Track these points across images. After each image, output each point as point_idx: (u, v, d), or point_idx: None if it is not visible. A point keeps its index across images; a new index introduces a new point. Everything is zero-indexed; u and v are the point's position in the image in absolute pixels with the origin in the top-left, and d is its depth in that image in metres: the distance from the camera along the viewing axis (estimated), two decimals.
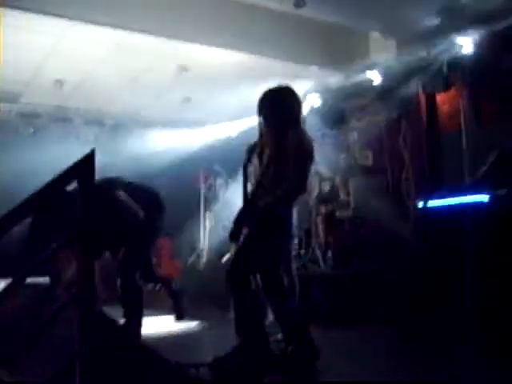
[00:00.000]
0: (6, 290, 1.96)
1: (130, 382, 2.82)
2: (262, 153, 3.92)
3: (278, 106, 3.89)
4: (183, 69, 7.25)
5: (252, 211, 3.73)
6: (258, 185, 3.82)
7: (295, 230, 4.72)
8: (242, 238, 3.80)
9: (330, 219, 7.40)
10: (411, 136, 7.41)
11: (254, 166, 4.02)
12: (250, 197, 3.79)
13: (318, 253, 6.68)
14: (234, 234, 3.84)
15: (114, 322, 2.98)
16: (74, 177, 1.95)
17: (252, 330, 3.66)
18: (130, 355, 2.94)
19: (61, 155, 6.64)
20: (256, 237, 3.70)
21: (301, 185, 3.74)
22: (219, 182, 9.26)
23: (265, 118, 3.93)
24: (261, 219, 3.69)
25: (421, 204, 5.75)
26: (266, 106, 3.93)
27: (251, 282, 3.71)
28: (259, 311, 3.77)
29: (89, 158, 1.97)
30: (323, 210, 7.43)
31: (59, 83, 7.44)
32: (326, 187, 7.71)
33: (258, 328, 3.69)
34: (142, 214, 4.81)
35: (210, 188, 8.81)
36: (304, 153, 3.75)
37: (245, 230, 3.81)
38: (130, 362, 2.88)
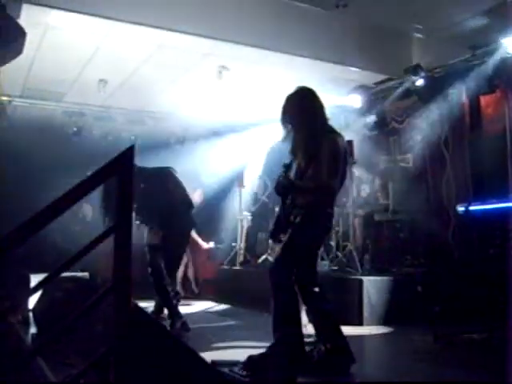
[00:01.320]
0: (43, 281, 2.00)
1: (163, 379, 2.85)
2: (295, 156, 3.92)
3: (303, 109, 3.85)
4: (223, 68, 7.27)
5: (290, 210, 3.73)
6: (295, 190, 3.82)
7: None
8: (283, 238, 3.80)
9: (368, 222, 7.33)
10: (453, 139, 7.27)
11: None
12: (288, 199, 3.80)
13: (355, 256, 6.60)
14: (274, 234, 3.86)
15: (148, 315, 3.01)
16: (114, 171, 1.98)
17: (288, 330, 3.65)
18: (165, 351, 2.95)
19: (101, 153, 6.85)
20: (296, 237, 3.70)
21: (330, 186, 3.70)
22: (258, 182, 9.30)
23: (291, 122, 3.89)
24: (301, 218, 3.69)
25: (462, 208, 5.64)
26: (291, 111, 3.88)
27: (292, 282, 3.71)
28: (298, 311, 3.75)
29: (128, 153, 1.99)
30: (361, 212, 7.36)
31: (103, 82, 7.57)
32: (365, 190, 7.64)
33: (295, 328, 3.68)
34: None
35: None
36: (337, 157, 3.71)
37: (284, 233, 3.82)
38: (165, 359, 2.90)
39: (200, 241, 8.60)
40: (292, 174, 3.87)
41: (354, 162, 6.72)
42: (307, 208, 3.70)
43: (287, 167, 3.82)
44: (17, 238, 1.82)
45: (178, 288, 8.55)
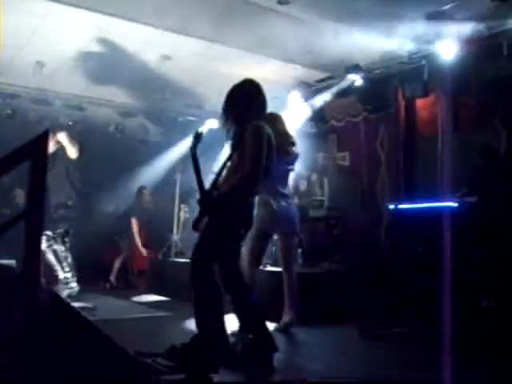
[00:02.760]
0: None
1: (84, 370, 2.80)
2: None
3: (243, 101, 3.86)
4: (166, 58, 7.21)
5: (208, 201, 3.70)
6: (218, 175, 3.81)
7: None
8: (202, 227, 3.77)
9: (303, 217, 7.41)
10: (389, 139, 7.48)
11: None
12: (210, 187, 3.77)
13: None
14: (195, 224, 3.82)
15: (69, 305, 2.95)
16: (27, 156, 1.93)
17: (211, 321, 3.64)
18: (85, 341, 2.91)
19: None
20: (212, 226, 3.68)
21: (254, 173, 3.65)
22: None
23: (229, 114, 3.90)
24: (216, 208, 3.66)
25: (392, 206, 5.82)
26: (232, 102, 3.90)
27: (212, 272, 3.68)
28: (220, 302, 3.73)
29: (42, 138, 1.95)
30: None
31: (39, 65, 7.34)
32: (303, 185, 7.74)
33: (217, 318, 3.68)
34: None
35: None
36: (260, 142, 3.68)
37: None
38: (85, 349, 2.85)
39: (135, 230, 8.51)
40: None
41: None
42: (221, 196, 3.65)
43: (197, 138, 3.86)
44: None
45: (112, 278, 8.50)
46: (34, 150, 1.94)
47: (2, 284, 2.10)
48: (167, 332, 4.98)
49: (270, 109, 4.12)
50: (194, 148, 3.84)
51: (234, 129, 3.88)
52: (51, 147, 6.31)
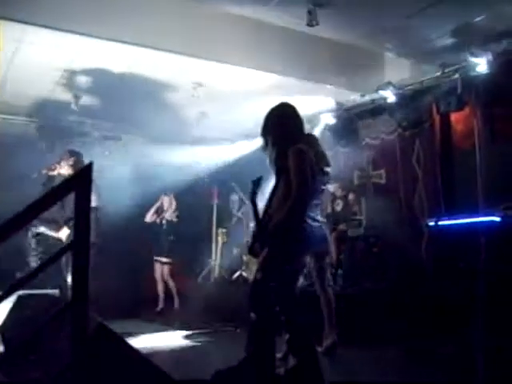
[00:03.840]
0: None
1: None
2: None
3: (281, 124, 3.89)
4: (198, 85, 7.33)
5: (266, 231, 3.72)
6: (270, 205, 3.83)
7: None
8: (260, 256, 3.80)
9: (342, 238, 7.38)
10: (425, 154, 7.39)
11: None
12: (263, 217, 3.79)
13: (329, 271, 6.63)
14: (252, 249, 3.85)
15: (115, 334, 2.98)
16: (71, 188, 1.99)
17: (261, 347, 3.64)
18: (132, 370, 2.93)
19: None
20: (272, 254, 3.70)
21: (301, 199, 3.66)
22: (233, 198, 9.31)
23: (268, 137, 3.92)
24: (274, 238, 3.67)
25: (432, 223, 5.73)
26: (269, 126, 3.93)
27: (272, 302, 3.68)
28: (273, 329, 3.73)
29: (87, 171, 2.01)
30: (335, 228, 7.42)
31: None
32: (339, 205, 7.71)
33: (268, 345, 3.67)
34: None
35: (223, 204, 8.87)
36: (304, 167, 3.67)
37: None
38: (131, 377, 2.88)
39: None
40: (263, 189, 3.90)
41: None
42: (277, 225, 3.65)
43: (256, 184, 3.85)
44: None
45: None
46: (79, 182, 1.99)
47: (51, 314, 2.14)
48: (212, 357, 4.97)
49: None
50: (253, 195, 3.83)
51: (274, 152, 3.91)
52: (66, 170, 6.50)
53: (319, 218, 4.09)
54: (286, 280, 3.75)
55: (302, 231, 3.79)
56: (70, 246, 1.98)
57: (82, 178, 1.99)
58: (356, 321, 5.89)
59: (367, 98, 7.91)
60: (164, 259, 8.35)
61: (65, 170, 6.43)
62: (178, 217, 8.42)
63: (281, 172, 3.79)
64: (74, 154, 6.56)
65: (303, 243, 3.83)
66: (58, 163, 6.54)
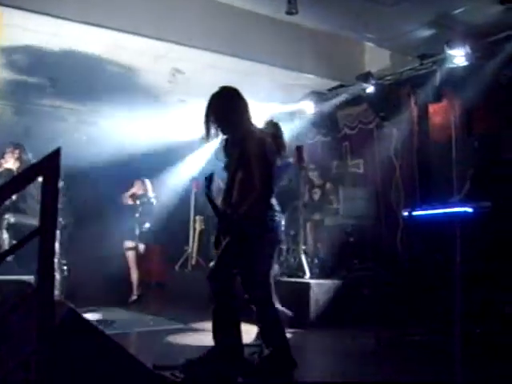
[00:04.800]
0: None
1: None
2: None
3: (229, 109, 3.79)
4: (176, 71, 7.27)
5: (226, 222, 3.70)
6: (228, 196, 3.80)
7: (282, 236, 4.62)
8: (222, 245, 3.79)
9: (319, 226, 7.42)
10: (402, 145, 7.44)
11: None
12: (222, 205, 3.79)
13: (306, 260, 6.68)
14: (216, 243, 3.85)
15: (85, 319, 2.97)
16: (40, 173, 1.97)
17: (228, 334, 3.66)
18: (104, 356, 2.92)
19: None
20: (234, 244, 3.69)
21: (266, 192, 3.68)
22: (213, 186, 9.25)
23: (217, 123, 3.81)
24: (235, 232, 3.66)
25: (406, 213, 5.77)
26: (215, 112, 3.81)
27: (232, 286, 3.73)
28: (237, 314, 3.75)
29: (55, 156, 1.98)
30: (312, 217, 7.45)
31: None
32: (317, 194, 7.74)
33: (234, 331, 3.69)
34: None
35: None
36: (266, 159, 3.67)
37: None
38: (104, 364, 2.87)
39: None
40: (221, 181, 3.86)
41: (304, 167, 6.78)
42: (239, 220, 3.63)
43: (209, 180, 3.75)
44: None
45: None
46: (47, 167, 1.97)
47: (18, 300, 2.12)
48: (185, 344, 4.98)
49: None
50: (208, 191, 3.76)
51: (224, 141, 3.88)
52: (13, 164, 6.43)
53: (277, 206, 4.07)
54: (257, 268, 3.75)
55: (271, 221, 3.77)
56: (37, 231, 1.95)
57: (50, 162, 1.96)
58: (332, 310, 5.98)
59: (346, 87, 7.92)
60: (132, 244, 8.29)
61: (11, 163, 6.38)
62: (153, 201, 8.39)
63: (238, 162, 3.74)
64: (18, 146, 6.51)
65: (273, 232, 3.81)
66: (2, 158, 6.48)
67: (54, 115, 8.72)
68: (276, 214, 3.84)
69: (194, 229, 8.48)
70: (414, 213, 5.62)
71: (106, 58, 6.96)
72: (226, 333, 3.67)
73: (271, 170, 3.71)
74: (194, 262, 8.22)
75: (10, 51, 6.72)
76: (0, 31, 5.87)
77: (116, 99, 7.88)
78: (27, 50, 6.72)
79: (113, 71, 7.35)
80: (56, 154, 2.00)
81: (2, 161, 6.54)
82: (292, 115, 8.32)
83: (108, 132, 8.98)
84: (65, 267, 6.38)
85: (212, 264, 4.03)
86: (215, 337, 3.66)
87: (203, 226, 8.51)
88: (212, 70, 7.19)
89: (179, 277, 8.09)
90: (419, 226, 5.82)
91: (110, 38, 6.34)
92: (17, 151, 6.50)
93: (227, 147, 3.89)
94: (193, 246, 8.36)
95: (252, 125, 3.88)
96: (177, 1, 6.43)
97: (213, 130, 3.83)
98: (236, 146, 3.81)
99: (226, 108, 3.79)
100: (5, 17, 5.65)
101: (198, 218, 8.55)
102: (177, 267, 8.33)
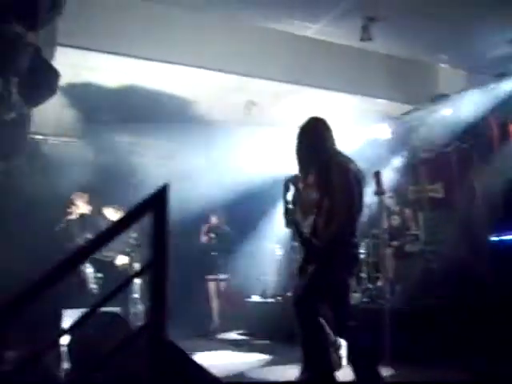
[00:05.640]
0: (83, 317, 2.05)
1: None
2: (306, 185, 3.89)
3: (318, 140, 3.83)
4: (251, 103, 7.40)
5: (313, 250, 3.68)
6: (316, 221, 3.72)
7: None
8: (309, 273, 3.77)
9: (399, 253, 7.23)
10: (482, 167, 7.19)
11: (303, 199, 3.90)
12: (309, 233, 3.73)
13: (386, 287, 6.51)
14: (301, 270, 3.79)
15: (185, 353, 3.00)
16: (149, 209, 2.02)
17: (318, 363, 3.59)
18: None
19: None
20: (320, 271, 3.65)
21: (349, 220, 3.65)
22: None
23: (305, 153, 3.86)
24: (321, 259, 3.63)
25: (495, 238, 5.55)
26: (304, 140, 3.86)
27: (318, 315, 3.65)
28: (324, 344, 3.67)
29: (163, 191, 2.03)
30: (392, 243, 7.28)
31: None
32: (396, 220, 7.57)
33: (325, 360, 3.61)
34: None
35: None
36: (349, 185, 3.64)
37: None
38: None
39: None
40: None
41: (383, 193, 6.66)
42: (324, 248, 3.61)
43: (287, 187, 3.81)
44: (56, 275, 1.87)
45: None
46: (156, 203, 2.02)
47: (126, 336, 2.16)
48: (273, 374, 4.94)
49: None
50: (285, 197, 3.80)
51: (313, 167, 3.84)
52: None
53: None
54: (346, 298, 3.72)
55: (355, 248, 3.76)
56: (148, 268, 2.00)
57: (159, 198, 2.02)
58: (416, 339, 5.75)
59: (421, 110, 7.78)
60: (213, 276, 8.43)
61: (84, 208, 6.61)
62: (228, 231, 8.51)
63: (324, 190, 3.71)
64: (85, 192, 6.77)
65: (349, 265, 3.79)
66: (73, 204, 6.72)
67: (131, 151, 9.00)
68: (358, 241, 3.83)
69: (274, 258, 8.45)
70: (504, 237, 5.41)
71: (174, 93, 7.17)
72: (317, 360, 3.60)
73: (354, 198, 3.67)
74: (273, 291, 8.17)
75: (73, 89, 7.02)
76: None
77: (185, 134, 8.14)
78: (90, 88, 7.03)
79: (179, 105, 7.54)
80: (164, 189, 2.05)
81: (74, 207, 6.81)
82: (366, 141, 8.23)
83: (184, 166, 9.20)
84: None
85: (296, 292, 3.99)
86: (306, 364, 3.61)
87: (282, 255, 8.48)
88: (283, 100, 7.29)
89: (258, 307, 8.05)
90: (509, 250, 5.59)
91: (180, 73, 6.54)
92: (85, 195, 6.77)
93: (318, 178, 3.87)
94: (270, 275, 8.33)
95: (337, 152, 3.88)
96: (249, 34, 6.58)
97: (304, 163, 3.87)
98: (322, 175, 3.80)
99: (316, 139, 3.84)
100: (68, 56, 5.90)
101: (276, 246, 8.53)
102: (254, 296, 8.31)
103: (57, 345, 4.60)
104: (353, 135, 7.81)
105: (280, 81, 6.79)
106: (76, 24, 5.47)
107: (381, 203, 6.83)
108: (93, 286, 6.79)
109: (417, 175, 8.13)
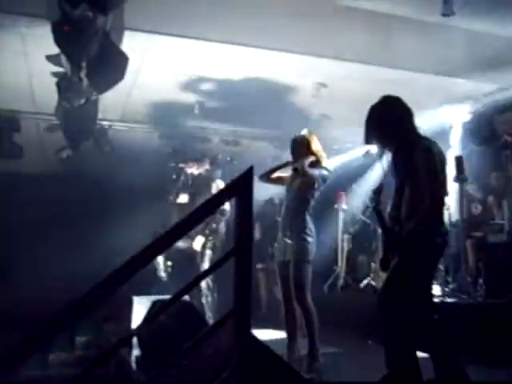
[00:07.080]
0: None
1: None
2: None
3: (395, 120, 3.61)
4: (321, 86, 7.11)
5: (396, 240, 3.50)
6: (396, 211, 3.56)
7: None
8: (391, 266, 3.55)
9: (481, 244, 6.78)
10: None
11: None
12: (390, 222, 3.59)
13: (468, 280, 6.12)
14: (383, 262, 3.62)
15: (267, 347, 2.86)
16: (233, 194, 1.82)
17: (404, 359, 3.40)
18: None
19: None
20: (404, 264, 3.47)
21: (437, 204, 3.47)
22: (356, 202, 8.91)
23: (380, 136, 3.67)
24: (405, 248, 3.45)
25: None
26: (379, 124, 3.64)
27: (402, 310, 3.45)
28: (412, 339, 3.45)
29: (248, 175, 1.83)
30: (474, 234, 6.83)
31: (198, 104, 7.61)
32: (477, 209, 7.11)
33: (411, 356, 3.41)
34: None
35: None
36: (435, 168, 3.43)
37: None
38: None
39: None
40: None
41: (465, 179, 6.26)
42: (408, 235, 3.43)
43: (378, 193, 3.70)
44: (141, 260, 1.75)
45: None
46: (240, 188, 1.82)
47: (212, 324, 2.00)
48: (344, 370, 4.73)
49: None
50: (376, 204, 3.69)
51: (392, 147, 3.67)
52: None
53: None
54: (420, 290, 3.50)
55: (441, 237, 3.53)
56: (232, 253, 1.81)
57: (244, 182, 1.81)
58: (500, 333, 5.35)
59: (506, 90, 7.24)
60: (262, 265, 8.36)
61: (200, 171, 6.65)
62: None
63: (405, 175, 3.52)
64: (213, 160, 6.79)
65: (436, 253, 3.63)
66: (198, 163, 6.78)
67: (198, 137, 8.91)
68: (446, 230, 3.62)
69: (342, 248, 8.16)
70: None
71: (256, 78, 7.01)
72: (403, 357, 3.41)
73: (440, 182, 3.46)
74: (342, 282, 7.90)
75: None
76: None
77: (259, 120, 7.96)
78: None
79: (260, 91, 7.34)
80: (249, 173, 1.84)
81: (196, 165, 6.96)
82: (445, 124, 7.75)
83: (250, 152, 9.07)
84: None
85: (380, 288, 3.81)
86: (389, 361, 3.41)
87: (350, 246, 8.21)
88: (355, 82, 6.96)
89: (328, 298, 7.80)
90: None
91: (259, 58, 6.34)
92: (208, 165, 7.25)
93: (398, 161, 3.63)
94: (341, 266, 8.04)
95: (419, 134, 3.63)
96: (320, 14, 6.26)
97: (375, 142, 3.75)
98: (402, 158, 3.58)
99: (389, 117, 3.61)
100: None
101: (345, 236, 8.23)
102: (326, 288, 8.05)
103: (135, 335, 4.58)
104: (432, 117, 7.37)
105: (354, 61, 6.46)
106: (144, 8, 5.35)
107: (461, 190, 6.45)
108: (162, 274, 6.77)
109: (499, 160, 7.61)
